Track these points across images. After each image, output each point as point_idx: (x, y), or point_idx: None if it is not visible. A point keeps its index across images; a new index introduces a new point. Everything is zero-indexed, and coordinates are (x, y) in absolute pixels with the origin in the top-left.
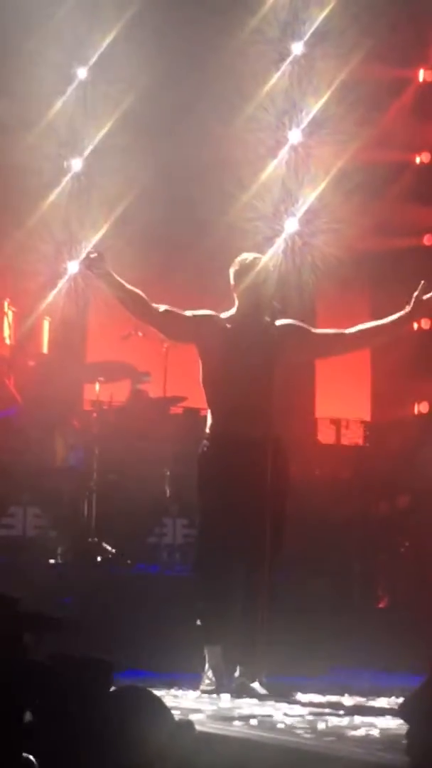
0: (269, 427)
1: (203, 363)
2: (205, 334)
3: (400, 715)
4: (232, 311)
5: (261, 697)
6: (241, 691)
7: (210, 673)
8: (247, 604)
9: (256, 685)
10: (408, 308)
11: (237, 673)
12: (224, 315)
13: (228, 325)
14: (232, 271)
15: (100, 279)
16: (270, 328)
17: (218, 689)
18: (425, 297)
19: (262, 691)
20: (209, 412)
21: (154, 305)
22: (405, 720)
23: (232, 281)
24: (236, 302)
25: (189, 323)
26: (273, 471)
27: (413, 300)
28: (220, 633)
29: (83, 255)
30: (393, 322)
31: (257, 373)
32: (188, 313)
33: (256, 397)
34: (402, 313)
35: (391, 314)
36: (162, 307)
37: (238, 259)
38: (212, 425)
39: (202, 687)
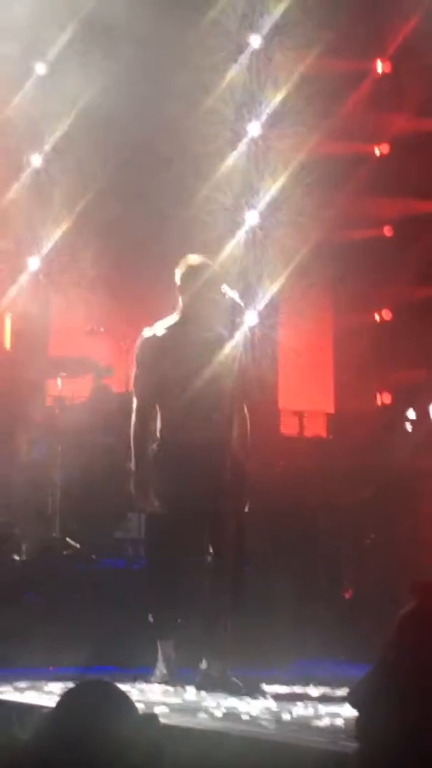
0: (219, 430)
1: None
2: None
3: (349, 702)
4: (175, 316)
5: (228, 689)
6: (206, 684)
7: (162, 666)
8: (211, 596)
9: (221, 676)
10: None
11: (203, 665)
12: (163, 323)
13: (167, 335)
14: (178, 273)
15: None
16: (215, 334)
17: (169, 681)
18: None
19: (229, 682)
20: (159, 415)
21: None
22: (354, 707)
23: (177, 282)
24: (180, 303)
25: (154, 384)
26: (225, 472)
27: None
28: (171, 627)
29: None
30: None
31: (203, 378)
32: (144, 369)
33: (203, 401)
34: None
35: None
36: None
37: (185, 260)
38: (161, 429)
39: (153, 679)
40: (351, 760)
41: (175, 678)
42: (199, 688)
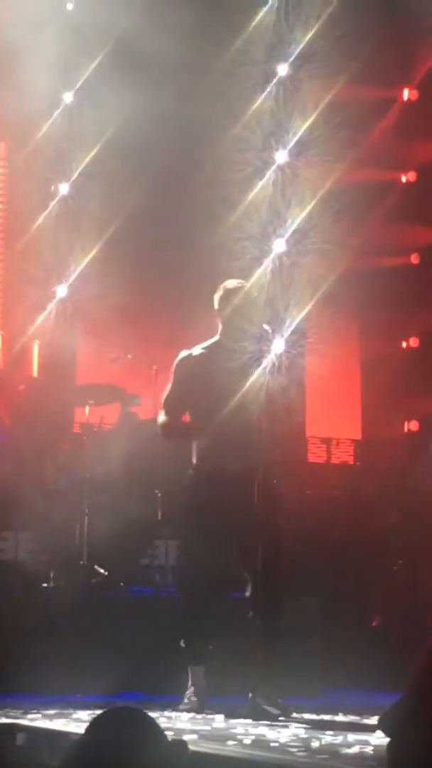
0: (254, 456)
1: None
2: (193, 386)
3: (379, 728)
4: (216, 337)
5: (275, 718)
6: (256, 714)
7: (191, 693)
8: (253, 624)
9: (270, 703)
10: None
11: (250, 695)
12: (202, 345)
13: (203, 357)
14: (216, 297)
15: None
16: (246, 359)
17: (199, 709)
18: None
19: (275, 711)
20: (194, 442)
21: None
22: (384, 732)
23: (216, 306)
24: (220, 327)
25: (186, 397)
26: (260, 500)
27: None
28: (202, 653)
29: None
30: None
31: (232, 403)
32: (178, 386)
33: (239, 425)
34: None
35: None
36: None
37: (223, 284)
38: (197, 454)
39: (182, 707)
40: None
41: (204, 706)
42: (249, 717)
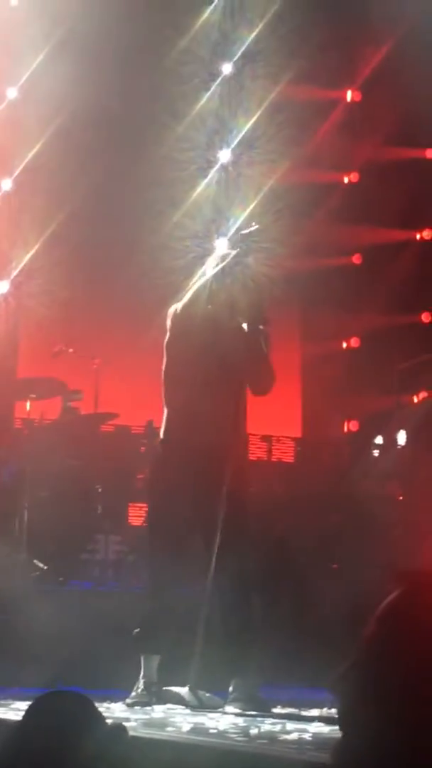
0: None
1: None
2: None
3: (331, 690)
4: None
5: (258, 708)
6: (238, 705)
7: (142, 684)
8: (231, 612)
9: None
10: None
11: (231, 688)
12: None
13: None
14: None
15: None
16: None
17: (148, 702)
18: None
19: (258, 701)
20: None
21: None
22: (336, 696)
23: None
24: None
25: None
26: (231, 478)
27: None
28: (161, 643)
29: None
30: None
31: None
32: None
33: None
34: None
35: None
36: None
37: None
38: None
39: (128, 700)
40: (335, 748)
41: (153, 703)
42: (231, 708)
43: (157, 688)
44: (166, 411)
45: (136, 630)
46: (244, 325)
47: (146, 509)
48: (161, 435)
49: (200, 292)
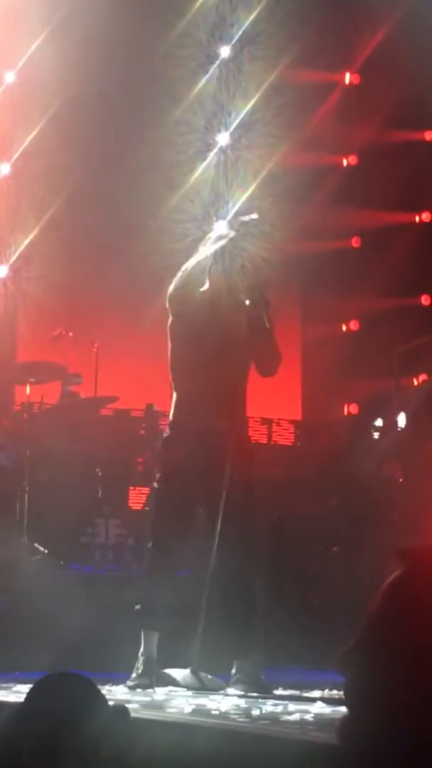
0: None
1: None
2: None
3: (337, 668)
4: (206, 286)
5: (260, 691)
6: (240, 687)
7: (141, 661)
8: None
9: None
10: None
11: (233, 670)
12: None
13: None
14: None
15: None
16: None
17: (150, 684)
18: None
19: (262, 684)
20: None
21: None
22: (341, 673)
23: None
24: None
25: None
26: (234, 460)
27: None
28: (162, 620)
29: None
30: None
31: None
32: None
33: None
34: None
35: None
36: None
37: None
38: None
39: (129, 683)
40: (341, 724)
41: (153, 683)
42: (233, 690)
43: (156, 664)
44: (174, 393)
45: (137, 605)
46: (247, 302)
47: (151, 488)
48: (170, 417)
49: (194, 271)
